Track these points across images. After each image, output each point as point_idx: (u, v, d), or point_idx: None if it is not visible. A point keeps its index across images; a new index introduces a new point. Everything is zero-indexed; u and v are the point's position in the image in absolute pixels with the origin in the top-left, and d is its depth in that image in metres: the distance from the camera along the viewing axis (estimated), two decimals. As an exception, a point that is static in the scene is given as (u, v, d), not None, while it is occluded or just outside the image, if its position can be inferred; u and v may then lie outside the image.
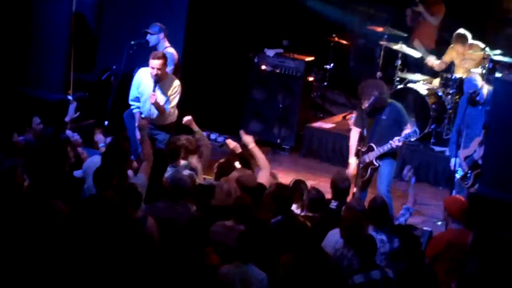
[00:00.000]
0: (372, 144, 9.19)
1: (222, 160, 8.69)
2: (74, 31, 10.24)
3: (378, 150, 9.15)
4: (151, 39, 10.31)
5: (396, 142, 9.04)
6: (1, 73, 10.35)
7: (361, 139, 9.17)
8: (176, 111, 9.85)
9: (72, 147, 8.50)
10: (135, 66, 10.54)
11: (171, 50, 10.34)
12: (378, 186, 9.29)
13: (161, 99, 9.68)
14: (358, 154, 9.21)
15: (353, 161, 9.23)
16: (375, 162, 9.20)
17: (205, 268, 6.42)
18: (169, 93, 9.74)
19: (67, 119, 9.07)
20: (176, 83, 9.81)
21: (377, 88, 9.14)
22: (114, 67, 10.71)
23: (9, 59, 10.39)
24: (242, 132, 9.04)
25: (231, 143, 9.18)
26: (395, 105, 9.31)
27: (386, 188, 9.23)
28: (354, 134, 9.36)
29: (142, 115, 9.79)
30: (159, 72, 9.58)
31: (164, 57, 9.68)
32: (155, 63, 9.56)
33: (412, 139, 9.19)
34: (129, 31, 11.34)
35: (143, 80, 9.75)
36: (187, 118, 9.40)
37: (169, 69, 10.10)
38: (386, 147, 9.10)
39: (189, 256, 6.44)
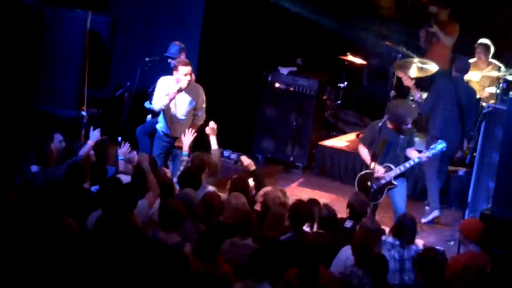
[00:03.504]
0: (389, 164, 9.17)
1: (235, 177, 8.70)
2: (88, 48, 10.28)
3: (398, 169, 9.13)
4: (173, 63, 10.28)
5: (425, 154, 9.05)
6: (15, 90, 10.39)
7: (374, 160, 9.14)
8: None
9: (94, 164, 8.52)
10: (149, 83, 10.58)
11: None
12: (396, 205, 9.24)
13: (189, 106, 9.72)
14: (372, 177, 9.18)
15: (373, 165, 9.14)
16: (394, 182, 9.18)
17: (219, 279, 6.40)
18: (199, 100, 9.78)
19: (91, 141, 9.06)
20: (201, 89, 9.86)
21: (408, 114, 9.15)
22: (128, 83, 10.74)
23: (23, 76, 10.43)
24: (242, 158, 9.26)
25: (245, 160, 9.24)
26: (412, 129, 9.37)
27: (404, 206, 9.21)
28: (364, 150, 9.34)
29: (163, 128, 9.82)
30: (191, 77, 9.62)
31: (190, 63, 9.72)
32: (187, 69, 9.55)
33: (438, 152, 9.18)
34: (143, 48, 11.41)
35: (170, 89, 9.66)
36: (212, 126, 9.42)
37: None
38: (409, 164, 9.10)
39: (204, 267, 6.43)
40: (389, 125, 9.20)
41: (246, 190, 8.35)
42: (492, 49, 11.70)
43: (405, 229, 7.70)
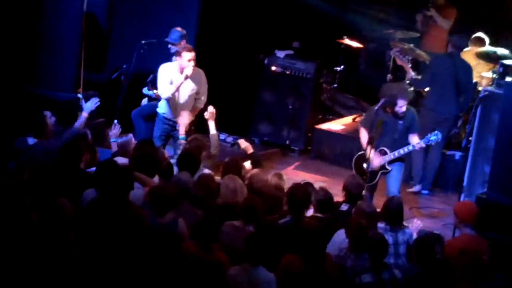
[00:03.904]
0: (384, 148, 9.17)
1: (228, 160, 8.71)
2: (85, 31, 10.25)
3: (392, 154, 9.13)
4: (173, 49, 10.30)
5: (419, 144, 9.06)
6: (12, 73, 10.37)
7: (370, 143, 9.15)
8: None
9: (88, 145, 8.51)
10: (146, 66, 10.57)
11: None
12: (389, 189, 9.27)
13: (192, 91, 9.77)
14: (367, 158, 9.20)
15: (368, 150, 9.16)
16: (387, 167, 9.19)
17: (212, 266, 6.41)
18: (201, 85, 9.86)
19: (85, 113, 9.02)
20: (203, 73, 9.91)
21: (400, 94, 9.14)
22: (124, 66, 10.73)
23: (20, 59, 10.41)
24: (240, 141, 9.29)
25: (243, 143, 9.27)
26: (412, 111, 9.32)
27: (397, 190, 9.24)
28: (364, 133, 9.34)
29: (165, 113, 9.82)
30: (194, 63, 9.66)
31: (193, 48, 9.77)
32: (191, 55, 9.59)
33: (433, 143, 9.20)
34: (140, 30, 11.38)
35: (173, 76, 9.73)
36: (210, 111, 9.41)
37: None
38: (403, 151, 9.09)
39: (196, 254, 6.44)
40: (387, 109, 9.19)
41: (239, 172, 8.34)
42: (487, 40, 11.73)
43: (390, 213, 7.73)
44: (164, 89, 9.72)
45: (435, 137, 9.04)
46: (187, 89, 9.77)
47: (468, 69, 10.92)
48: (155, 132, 9.90)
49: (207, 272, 6.35)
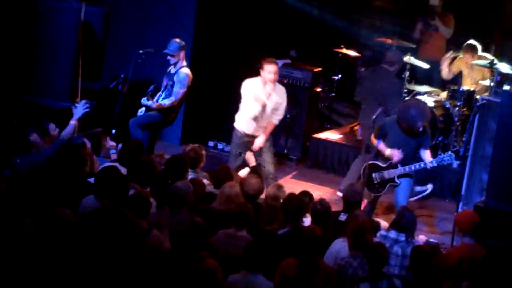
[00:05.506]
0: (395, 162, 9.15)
1: (217, 169, 8.76)
2: (82, 40, 10.25)
3: (403, 169, 9.09)
4: (172, 60, 10.26)
5: (431, 164, 8.98)
6: (9, 82, 10.37)
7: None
8: None
9: (88, 154, 8.48)
10: (143, 75, 10.56)
11: (186, 71, 10.24)
12: (398, 201, 9.20)
13: (274, 105, 9.84)
14: (377, 168, 9.20)
15: (388, 150, 9.15)
16: (396, 180, 9.16)
17: (203, 273, 6.40)
18: (282, 101, 9.93)
19: (73, 121, 8.88)
20: (284, 89, 9.98)
21: (418, 116, 9.07)
22: (122, 75, 10.72)
23: (17, 68, 10.41)
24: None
25: (248, 154, 9.30)
26: (427, 129, 9.27)
27: (405, 202, 9.18)
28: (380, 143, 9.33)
29: (245, 130, 9.90)
30: (276, 77, 9.71)
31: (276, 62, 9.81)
32: (273, 69, 9.66)
33: (446, 163, 9.14)
34: (137, 40, 11.40)
35: (257, 91, 9.78)
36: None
37: (182, 91, 10.12)
38: (414, 167, 9.03)
39: (188, 261, 6.43)
40: (401, 124, 9.11)
41: (229, 179, 8.37)
42: (479, 47, 11.73)
43: (407, 221, 7.69)
44: (249, 107, 9.77)
45: (448, 157, 8.97)
46: (270, 104, 9.81)
47: (392, 82, 10.93)
48: (232, 150, 9.96)
49: (199, 280, 6.34)
